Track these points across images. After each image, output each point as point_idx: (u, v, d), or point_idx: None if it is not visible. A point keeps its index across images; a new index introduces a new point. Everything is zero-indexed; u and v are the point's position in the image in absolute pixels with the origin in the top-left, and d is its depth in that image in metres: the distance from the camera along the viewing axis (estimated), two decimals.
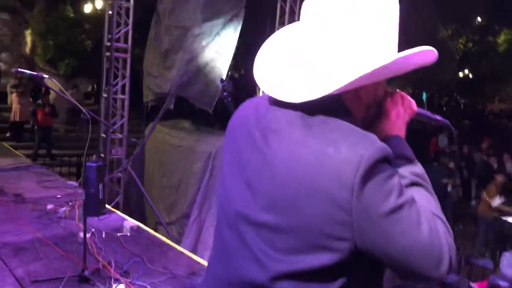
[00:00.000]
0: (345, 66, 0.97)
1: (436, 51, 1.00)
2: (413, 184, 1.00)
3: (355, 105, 1.03)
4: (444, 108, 22.46)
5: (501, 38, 24.11)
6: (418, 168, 1.04)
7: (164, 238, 3.93)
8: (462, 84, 24.51)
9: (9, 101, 12.56)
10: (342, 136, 0.94)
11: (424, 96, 26.05)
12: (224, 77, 6.49)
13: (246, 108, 1.17)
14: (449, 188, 9.47)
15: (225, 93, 2.57)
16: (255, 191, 1.02)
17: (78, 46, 13.08)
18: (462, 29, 23.32)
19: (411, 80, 22.86)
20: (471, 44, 24.47)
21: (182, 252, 3.65)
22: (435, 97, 25.38)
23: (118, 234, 3.77)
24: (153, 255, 3.49)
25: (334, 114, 0.98)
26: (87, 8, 13.11)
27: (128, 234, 3.83)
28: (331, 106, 0.99)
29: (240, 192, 1.06)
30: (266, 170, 1.00)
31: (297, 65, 1.03)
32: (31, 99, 11.83)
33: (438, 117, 1.24)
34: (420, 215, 0.92)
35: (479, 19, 22.87)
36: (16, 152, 7.27)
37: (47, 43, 12.67)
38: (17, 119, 11.43)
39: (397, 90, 1.14)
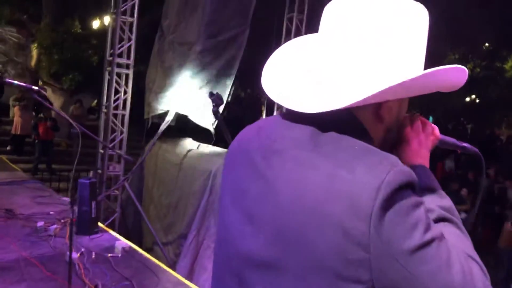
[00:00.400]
0: (367, 78, 0.86)
1: (465, 70, 0.91)
2: (442, 219, 0.87)
3: (374, 126, 0.91)
4: (452, 133, 22.27)
5: (509, 64, 24.08)
6: (446, 201, 0.91)
7: (156, 261, 3.75)
8: (469, 109, 24.43)
9: (11, 114, 12.54)
10: (357, 156, 0.81)
11: (431, 120, 25.97)
12: (227, 95, 6.38)
13: (247, 132, 1.04)
14: (462, 216, 9.23)
15: (214, 108, 2.43)
16: (257, 224, 0.89)
17: (84, 61, 13.08)
18: (470, 54, 23.35)
19: (417, 104, 22.78)
20: (478, 69, 24.44)
21: (174, 277, 3.47)
22: (441, 122, 25.23)
23: (109, 255, 3.61)
24: (143, 278, 3.33)
25: (349, 134, 0.85)
26: (95, 24, 13.16)
27: (119, 255, 3.66)
28: (347, 125, 0.87)
29: (241, 227, 0.92)
30: (269, 198, 0.87)
31: (313, 75, 0.91)
32: (33, 113, 11.77)
33: (466, 144, 1.11)
34: (451, 254, 0.78)
35: (486, 44, 22.90)
36: (13, 166, 7.16)
37: (52, 57, 12.67)
38: (18, 133, 11.37)
39: (418, 115, 1.02)
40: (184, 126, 8.20)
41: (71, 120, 2.56)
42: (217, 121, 2.25)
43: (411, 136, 0.99)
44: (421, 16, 0.90)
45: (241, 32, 6.13)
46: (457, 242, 0.83)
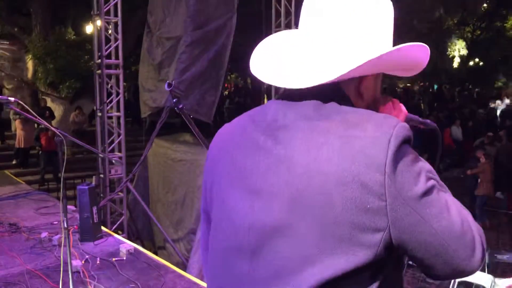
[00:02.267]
0: (350, 55, 0.95)
1: (428, 49, 1.00)
2: (429, 178, 0.93)
3: (356, 102, 1.00)
4: (457, 99, 21.99)
5: (510, 23, 23.64)
6: (426, 164, 0.96)
7: (162, 260, 3.72)
8: (473, 73, 24.11)
9: (13, 128, 12.57)
10: (364, 118, 0.89)
11: (436, 87, 25.70)
12: (221, 85, 6.30)
13: (232, 125, 1.10)
14: None
15: (174, 100, 2.34)
16: (267, 196, 0.92)
17: (80, 68, 13.03)
18: (468, 17, 22.96)
19: (421, 74, 22.48)
20: (478, 32, 24.06)
21: (181, 275, 3.43)
22: (447, 88, 24.97)
23: (114, 259, 3.58)
24: (149, 279, 3.30)
25: (344, 105, 0.94)
26: (88, 29, 13.09)
27: (124, 258, 3.63)
28: (340, 98, 0.95)
29: (248, 203, 0.95)
30: (281, 169, 0.91)
31: (301, 55, 0.99)
32: (35, 125, 11.79)
33: (427, 121, 1.24)
34: (448, 200, 0.88)
35: (485, 5, 22.50)
36: (17, 179, 7.16)
37: (47, 66, 12.64)
38: (22, 146, 11.41)
39: (390, 97, 1.12)
40: (182, 121, 8.15)
41: (52, 128, 2.50)
42: (182, 114, 2.18)
43: (385, 113, 1.05)
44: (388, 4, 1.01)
45: (228, 20, 6.02)
46: (446, 192, 0.91)
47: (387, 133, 0.85)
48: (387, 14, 1.02)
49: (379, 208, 0.83)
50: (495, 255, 6.31)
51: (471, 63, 24.65)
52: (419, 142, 8.88)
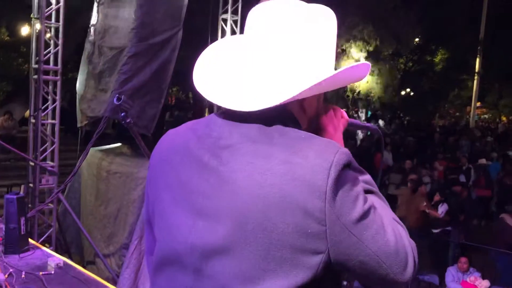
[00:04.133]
0: (297, 77, 0.98)
1: (369, 64, 1.06)
2: (367, 191, 1.00)
3: (300, 118, 1.04)
4: (390, 125, 23.10)
5: (438, 57, 25.34)
6: (366, 175, 1.04)
7: (93, 275, 3.60)
8: (404, 102, 25.45)
9: None
10: (307, 143, 0.93)
11: (369, 113, 26.83)
12: (163, 98, 6.25)
13: (178, 135, 1.09)
14: None
15: (122, 114, 2.33)
16: (211, 217, 0.94)
17: (13, 71, 12.40)
18: (402, 49, 24.31)
19: (355, 100, 23.44)
20: (411, 64, 25.52)
21: None
22: (379, 115, 26.15)
23: (41, 273, 3.42)
24: None
25: (289, 126, 0.98)
26: (24, 31, 12.50)
27: (52, 272, 3.48)
28: (284, 118, 0.99)
29: (190, 224, 0.97)
30: (225, 190, 0.93)
31: (246, 76, 1.01)
32: None
33: (368, 124, 1.31)
34: (383, 219, 0.94)
35: (417, 39, 23.93)
36: None
37: None
38: None
39: (331, 105, 1.17)
40: (122, 133, 7.97)
41: None
42: (128, 128, 2.18)
43: (326, 122, 1.13)
44: (332, 20, 1.05)
45: (174, 34, 6.02)
46: (382, 209, 0.98)
47: (328, 161, 0.89)
48: (331, 32, 1.05)
49: (319, 233, 0.88)
50: (417, 275, 6.65)
51: (403, 92, 26.03)
52: None
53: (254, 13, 1.03)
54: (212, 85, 1.03)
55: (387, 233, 0.92)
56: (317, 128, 1.12)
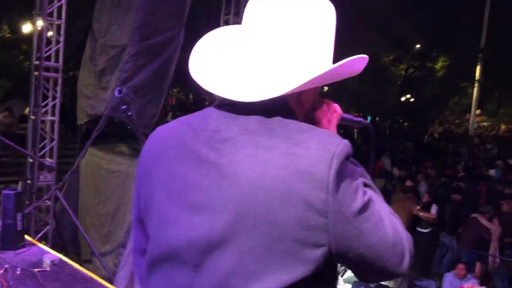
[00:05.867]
0: (296, 70, 0.97)
1: (367, 57, 1.04)
2: (364, 184, 0.98)
3: (298, 111, 1.03)
4: (387, 132, 23.12)
5: (439, 64, 25.38)
6: (360, 168, 1.03)
7: (89, 273, 3.58)
8: (404, 107, 25.49)
9: None
10: (308, 135, 0.91)
11: (369, 119, 26.85)
12: (163, 98, 6.25)
13: (168, 131, 1.06)
14: None
15: (123, 107, 2.32)
16: (211, 211, 0.91)
17: (14, 68, 12.40)
18: (403, 55, 24.37)
19: (356, 104, 23.48)
20: (412, 70, 25.57)
21: None
22: (378, 120, 26.20)
23: (36, 270, 3.40)
24: None
25: (287, 118, 0.96)
26: (26, 28, 12.51)
27: (48, 269, 3.46)
28: (283, 110, 0.97)
29: (189, 218, 0.94)
30: (226, 184, 0.90)
31: (249, 66, 0.99)
32: None
33: (360, 119, 1.31)
34: (381, 212, 0.94)
35: (418, 46, 23.99)
36: None
37: None
38: None
39: (325, 99, 1.15)
40: (122, 132, 7.97)
41: None
42: (129, 122, 2.17)
43: (321, 115, 1.12)
44: (331, 13, 1.03)
45: (176, 34, 6.01)
46: (379, 202, 0.97)
47: (330, 152, 0.88)
48: (331, 24, 1.04)
49: (321, 225, 0.87)
50: (413, 280, 6.64)
51: (403, 98, 26.07)
52: None
53: (254, 4, 1.01)
54: (210, 75, 1.01)
55: (385, 225, 0.92)
56: (312, 121, 1.09)
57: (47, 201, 6.02)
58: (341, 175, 0.88)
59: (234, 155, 0.92)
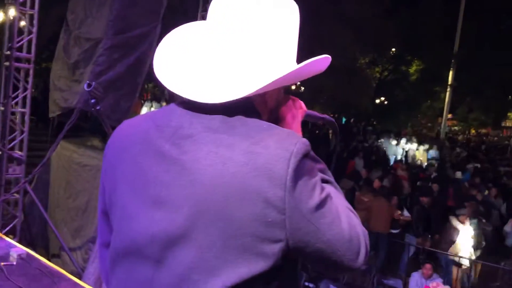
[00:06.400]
0: (260, 71, 0.99)
1: (329, 57, 1.06)
2: (323, 181, 1.02)
3: (262, 109, 1.06)
4: (361, 133, 23.42)
5: (413, 68, 25.84)
6: (321, 164, 1.05)
7: (57, 267, 3.54)
8: (378, 110, 25.86)
9: None
10: (267, 133, 0.94)
11: (344, 120, 27.16)
12: (137, 92, 6.19)
13: (133, 126, 1.07)
14: None
15: (93, 100, 2.31)
16: (171, 207, 0.93)
17: None
18: (378, 58, 24.72)
19: (331, 105, 23.71)
20: (386, 73, 25.96)
21: (76, 283, 3.29)
22: (353, 121, 26.51)
23: (2, 264, 3.35)
24: (41, 286, 3.13)
25: (250, 116, 0.98)
26: None
27: (15, 263, 3.41)
28: (246, 109, 0.99)
29: (151, 213, 0.96)
30: (186, 180, 0.92)
31: (212, 66, 1.00)
32: None
33: (325, 116, 1.33)
34: (338, 208, 0.97)
35: (393, 49, 24.36)
36: None
37: None
38: None
39: (289, 96, 1.18)
40: (95, 126, 7.85)
41: None
42: (98, 117, 2.17)
43: (286, 112, 1.14)
44: (295, 12, 1.05)
45: (152, 29, 5.95)
46: (337, 198, 1.01)
47: (288, 151, 0.91)
48: (294, 24, 1.05)
49: (278, 221, 0.89)
50: (382, 279, 6.78)
51: (377, 101, 26.44)
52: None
53: (218, 2, 1.03)
54: (174, 75, 1.02)
55: (342, 221, 0.95)
56: (276, 118, 1.13)
57: (15, 194, 5.89)
58: (299, 173, 0.90)
59: (195, 152, 0.94)
